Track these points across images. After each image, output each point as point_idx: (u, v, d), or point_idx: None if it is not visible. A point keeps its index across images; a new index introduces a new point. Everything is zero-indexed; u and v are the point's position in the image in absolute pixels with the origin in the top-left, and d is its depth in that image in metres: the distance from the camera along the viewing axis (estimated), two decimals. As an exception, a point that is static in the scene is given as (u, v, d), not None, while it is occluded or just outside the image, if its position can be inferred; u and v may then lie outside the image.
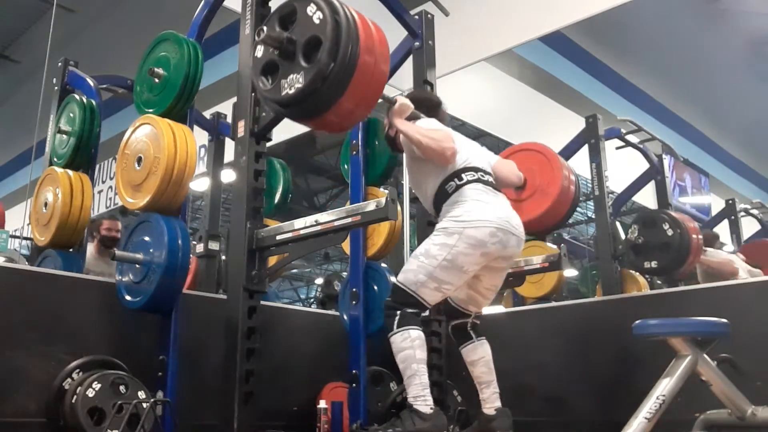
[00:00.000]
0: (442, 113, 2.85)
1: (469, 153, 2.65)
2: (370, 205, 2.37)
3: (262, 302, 2.70)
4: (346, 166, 3.64)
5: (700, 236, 4.59)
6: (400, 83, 4.17)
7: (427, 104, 2.82)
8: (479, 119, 6.45)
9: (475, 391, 2.68)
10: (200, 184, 5.81)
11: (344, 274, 5.19)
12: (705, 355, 2.30)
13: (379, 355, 3.29)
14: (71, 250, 3.37)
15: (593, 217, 5.47)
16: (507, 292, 5.16)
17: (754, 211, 6.85)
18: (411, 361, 2.38)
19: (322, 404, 3.01)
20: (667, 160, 5.36)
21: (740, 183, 9.51)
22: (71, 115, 3.51)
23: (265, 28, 2.29)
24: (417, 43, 3.47)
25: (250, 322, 2.56)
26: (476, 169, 2.60)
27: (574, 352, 3.37)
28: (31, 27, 8.71)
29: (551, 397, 3.39)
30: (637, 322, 2.37)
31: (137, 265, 2.72)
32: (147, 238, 2.72)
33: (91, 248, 4.06)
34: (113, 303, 2.80)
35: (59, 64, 3.87)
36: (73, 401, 2.48)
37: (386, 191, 2.65)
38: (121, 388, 2.55)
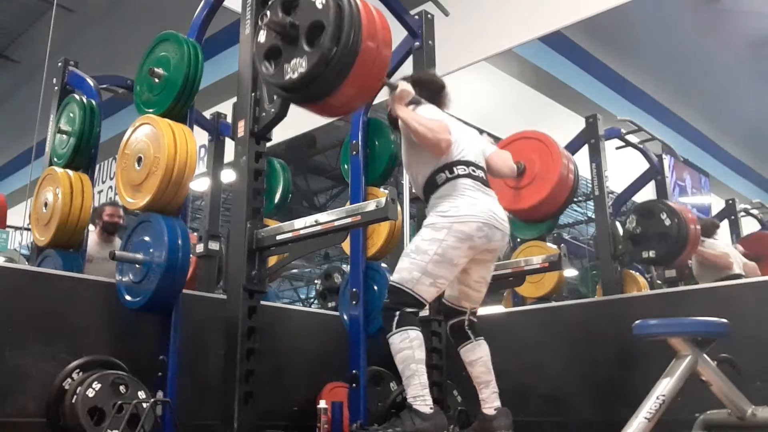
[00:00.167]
0: (445, 96, 2.86)
1: (464, 145, 2.67)
2: (370, 205, 2.37)
3: (262, 302, 2.70)
4: (346, 166, 3.64)
5: (698, 226, 4.60)
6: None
7: (430, 86, 2.83)
8: (479, 119, 6.44)
9: (475, 392, 2.68)
10: (200, 184, 5.82)
11: (345, 267, 5.18)
12: (705, 355, 2.30)
13: (379, 355, 3.30)
14: (71, 250, 3.37)
15: (593, 217, 5.48)
16: (507, 292, 5.16)
17: (754, 211, 6.86)
18: (410, 362, 2.38)
19: (322, 404, 3.01)
20: (667, 160, 5.36)
21: (740, 183, 9.51)
22: (71, 115, 3.51)
23: (268, 12, 2.29)
24: (417, 43, 3.47)
25: (250, 322, 2.56)
26: (468, 163, 2.62)
27: (574, 352, 3.37)
28: (31, 27, 8.72)
29: (551, 397, 3.39)
30: (637, 322, 2.37)
31: (137, 265, 2.72)
32: (147, 238, 2.72)
33: (93, 235, 4.10)
34: (113, 303, 2.80)
35: (59, 64, 3.87)
36: (73, 401, 2.48)
37: (386, 191, 2.66)
38: (121, 388, 2.55)
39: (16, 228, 5.69)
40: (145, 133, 2.84)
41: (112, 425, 2.44)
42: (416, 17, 3.50)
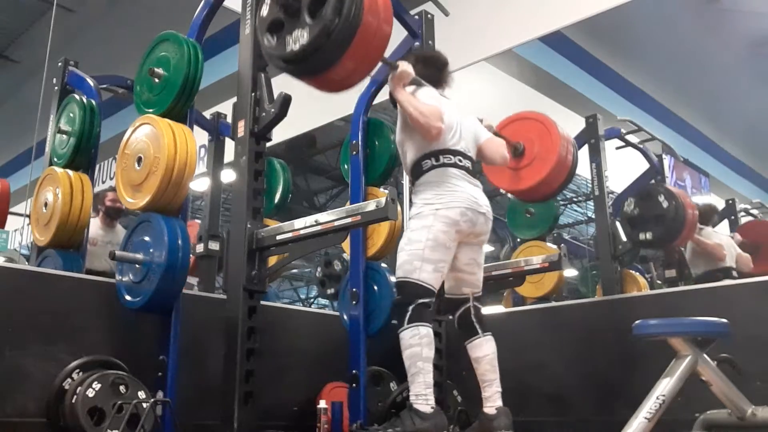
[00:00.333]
0: (447, 74, 2.88)
1: (456, 133, 2.70)
2: (370, 205, 2.37)
3: (262, 302, 2.70)
4: (346, 166, 3.64)
5: (696, 211, 4.59)
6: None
7: (434, 63, 2.86)
8: (479, 119, 6.44)
9: (475, 392, 2.68)
10: (200, 184, 5.81)
11: (345, 255, 5.16)
12: (705, 355, 2.30)
13: (379, 355, 3.30)
14: (71, 250, 3.37)
15: (593, 217, 5.47)
16: (507, 292, 5.17)
17: (754, 211, 6.86)
18: (417, 359, 2.39)
19: (322, 404, 3.01)
20: (667, 160, 5.36)
21: (740, 183, 9.51)
22: (71, 115, 3.51)
23: None
24: (417, 43, 3.47)
25: (250, 322, 2.56)
26: (455, 153, 2.67)
27: (574, 352, 3.37)
28: (31, 27, 8.72)
29: (551, 396, 3.39)
30: (637, 322, 2.37)
31: (137, 265, 2.72)
32: (147, 238, 2.72)
33: (95, 221, 4.16)
34: (113, 303, 2.80)
35: (59, 64, 3.87)
36: (73, 401, 2.48)
37: (386, 191, 2.66)
38: (121, 388, 2.55)
39: (19, 215, 5.69)
40: (145, 133, 2.84)
41: (112, 425, 2.44)
42: (416, 17, 3.50)
